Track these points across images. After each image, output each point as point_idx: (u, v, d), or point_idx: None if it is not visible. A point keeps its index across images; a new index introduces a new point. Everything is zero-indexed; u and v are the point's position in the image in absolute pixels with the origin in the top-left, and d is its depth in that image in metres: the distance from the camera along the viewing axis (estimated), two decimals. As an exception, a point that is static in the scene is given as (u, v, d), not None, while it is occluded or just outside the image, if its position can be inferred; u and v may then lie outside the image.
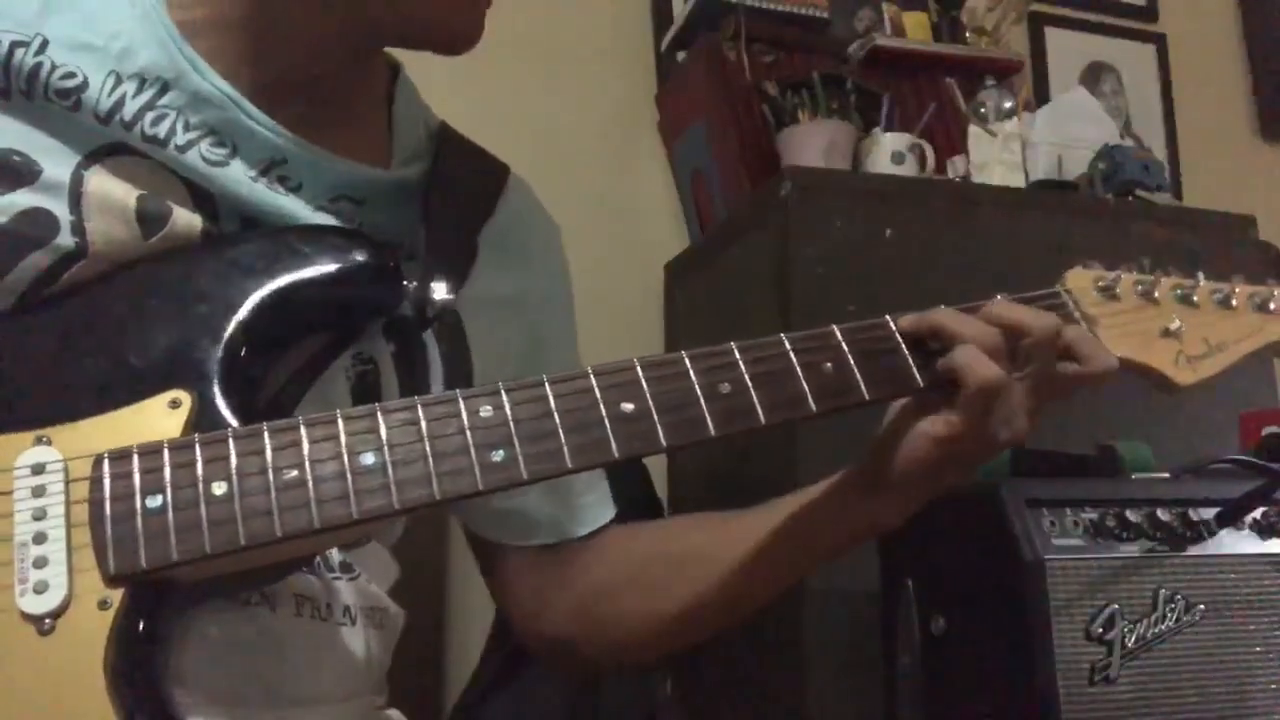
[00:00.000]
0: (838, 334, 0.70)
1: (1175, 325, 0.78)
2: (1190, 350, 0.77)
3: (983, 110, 1.93)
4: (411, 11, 0.71)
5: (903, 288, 1.59)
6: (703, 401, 0.65)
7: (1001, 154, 1.87)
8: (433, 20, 0.72)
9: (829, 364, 0.68)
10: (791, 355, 0.68)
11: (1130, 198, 1.85)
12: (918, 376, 0.70)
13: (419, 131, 0.83)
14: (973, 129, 1.90)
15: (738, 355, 0.67)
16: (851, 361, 0.69)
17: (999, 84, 2.01)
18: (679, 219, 2.13)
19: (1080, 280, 0.79)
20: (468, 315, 0.78)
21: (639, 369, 0.65)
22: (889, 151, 1.82)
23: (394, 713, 0.81)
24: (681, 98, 2.07)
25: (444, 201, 0.79)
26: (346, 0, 0.71)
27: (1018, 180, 1.87)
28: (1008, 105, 1.93)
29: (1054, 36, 2.45)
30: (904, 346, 0.70)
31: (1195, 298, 0.80)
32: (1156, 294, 0.79)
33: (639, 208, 2.13)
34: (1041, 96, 2.28)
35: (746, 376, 0.67)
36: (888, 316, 0.72)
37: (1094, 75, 2.45)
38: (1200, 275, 0.81)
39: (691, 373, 0.66)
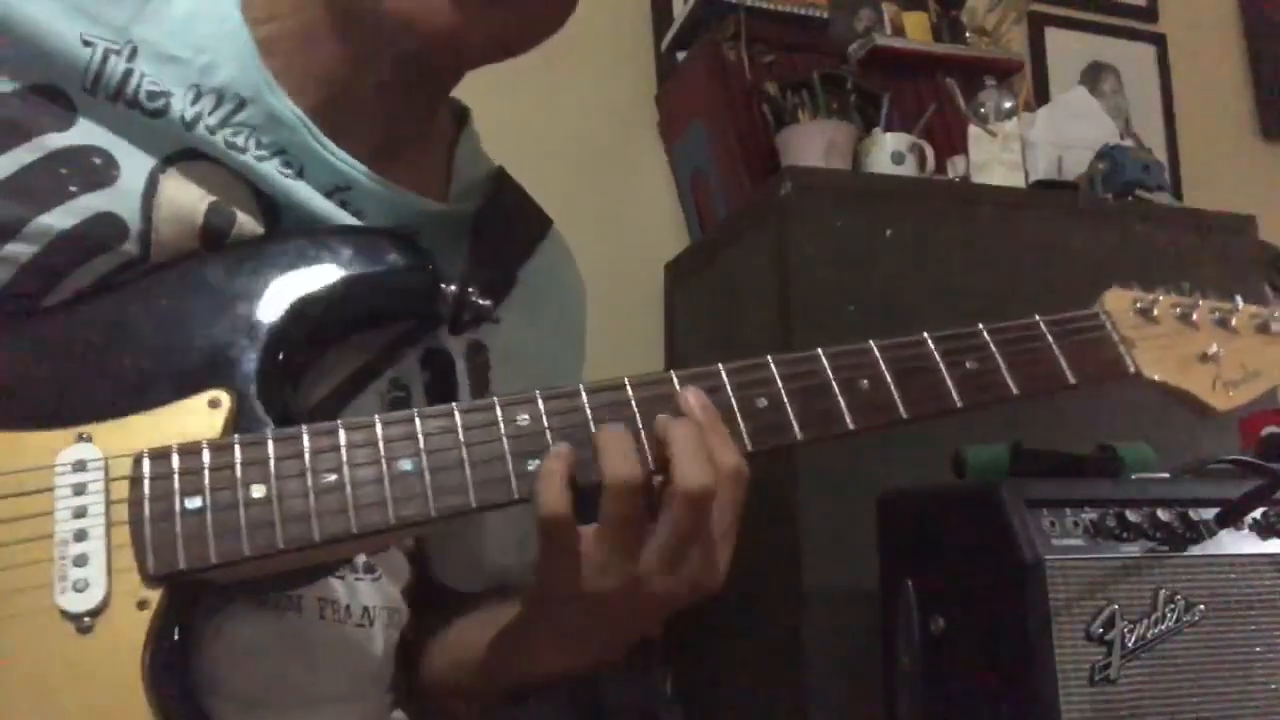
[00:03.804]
0: (875, 350, 0.70)
1: (1213, 350, 0.77)
2: (1227, 375, 0.77)
3: (983, 110, 1.93)
4: (415, 13, 0.70)
5: (903, 288, 1.59)
6: (739, 417, 0.65)
7: (1001, 154, 1.87)
8: (438, 26, 0.70)
9: (865, 381, 0.68)
10: (828, 371, 0.68)
11: (1130, 198, 1.84)
12: (955, 396, 0.70)
13: (478, 174, 0.85)
14: (973, 129, 1.90)
15: (774, 369, 0.67)
16: (889, 379, 0.69)
17: (999, 84, 2.01)
18: (679, 219, 2.13)
19: (1119, 302, 0.78)
20: (494, 357, 0.79)
21: (675, 384, 0.65)
22: (889, 151, 1.82)
23: (398, 714, 0.81)
24: (681, 98, 2.07)
25: (493, 230, 0.81)
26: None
27: (1018, 180, 1.87)
28: (1008, 105, 1.93)
29: (1054, 36, 2.45)
30: (943, 366, 0.70)
31: (1234, 322, 0.79)
32: (1195, 317, 0.78)
33: (639, 208, 2.13)
34: (1041, 96, 2.28)
35: (782, 391, 0.66)
36: (925, 334, 0.71)
37: (1094, 75, 2.45)
38: (1238, 299, 0.81)
39: (728, 386, 0.66)
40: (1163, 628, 1.01)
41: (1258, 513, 1.06)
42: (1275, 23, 2.64)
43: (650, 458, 0.62)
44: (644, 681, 1.78)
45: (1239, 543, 1.05)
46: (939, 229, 1.69)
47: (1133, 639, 1.00)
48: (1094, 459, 1.18)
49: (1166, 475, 1.16)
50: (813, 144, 1.81)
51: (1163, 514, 1.04)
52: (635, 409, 0.64)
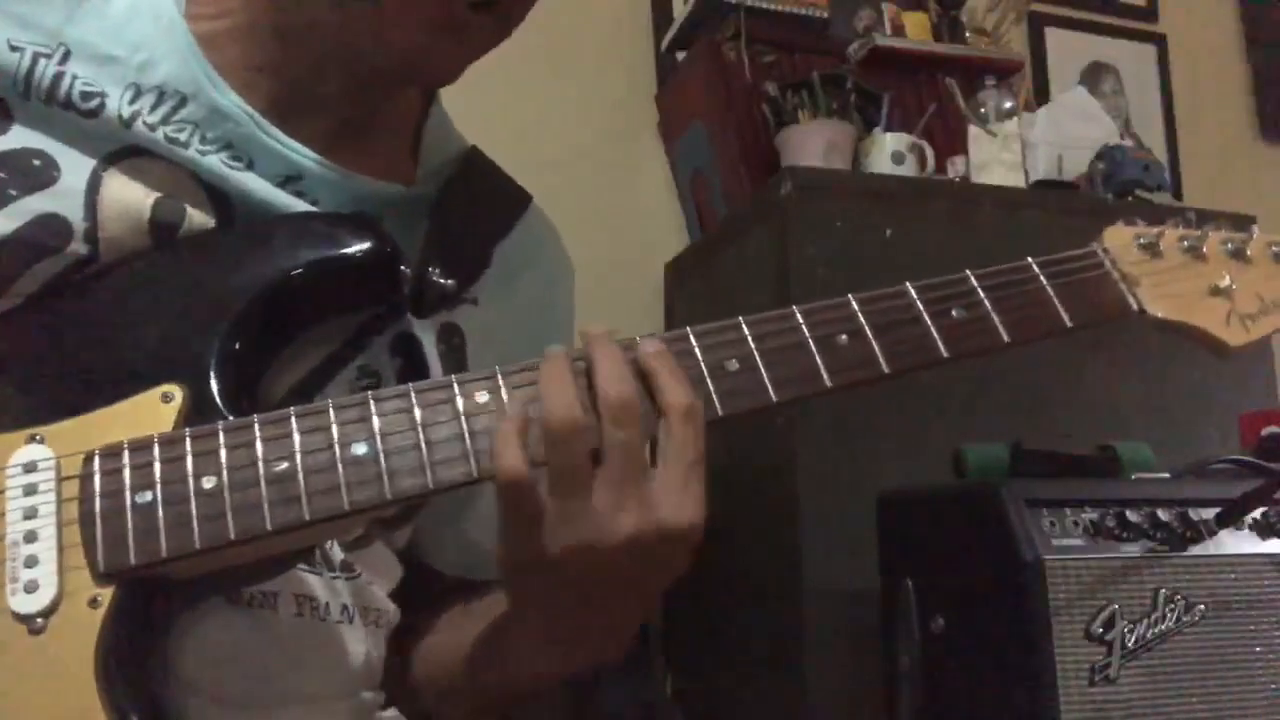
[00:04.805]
0: (853, 303, 0.66)
1: (1225, 282, 0.71)
2: (1243, 308, 0.71)
3: (983, 110, 1.93)
4: (390, 43, 0.70)
5: (903, 288, 1.59)
6: (709, 381, 0.63)
7: (1001, 154, 1.87)
8: (409, 53, 0.70)
9: (844, 336, 0.65)
10: (804, 329, 0.65)
11: (1130, 198, 1.85)
12: (941, 347, 0.66)
13: (447, 155, 0.83)
14: (973, 129, 1.90)
15: (745, 330, 0.64)
16: (869, 333, 0.65)
17: (999, 84, 2.01)
18: (679, 219, 2.13)
19: (1119, 237, 0.72)
20: (472, 340, 0.78)
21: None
22: (889, 151, 1.82)
23: (390, 713, 0.81)
24: (681, 98, 2.07)
25: (458, 209, 0.79)
26: (337, 25, 0.70)
27: (1018, 180, 1.87)
28: (1008, 105, 1.93)
29: (1054, 36, 2.45)
30: (926, 316, 0.67)
31: (1249, 251, 0.73)
32: (1205, 249, 0.73)
33: (639, 208, 2.13)
34: (1041, 96, 2.29)
35: (755, 352, 0.64)
36: (908, 284, 0.68)
37: (1094, 75, 2.45)
38: (1254, 229, 0.76)
39: (697, 350, 0.63)
40: (1163, 628, 1.01)
41: (1258, 513, 1.06)
42: (1275, 23, 2.64)
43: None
44: (644, 682, 1.78)
45: (1239, 543, 1.05)
46: (939, 229, 1.69)
47: (1133, 639, 1.00)
48: (1094, 459, 1.18)
49: (1166, 475, 1.16)
50: (813, 144, 1.81)
51: (1163, 514, 1.04)
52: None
